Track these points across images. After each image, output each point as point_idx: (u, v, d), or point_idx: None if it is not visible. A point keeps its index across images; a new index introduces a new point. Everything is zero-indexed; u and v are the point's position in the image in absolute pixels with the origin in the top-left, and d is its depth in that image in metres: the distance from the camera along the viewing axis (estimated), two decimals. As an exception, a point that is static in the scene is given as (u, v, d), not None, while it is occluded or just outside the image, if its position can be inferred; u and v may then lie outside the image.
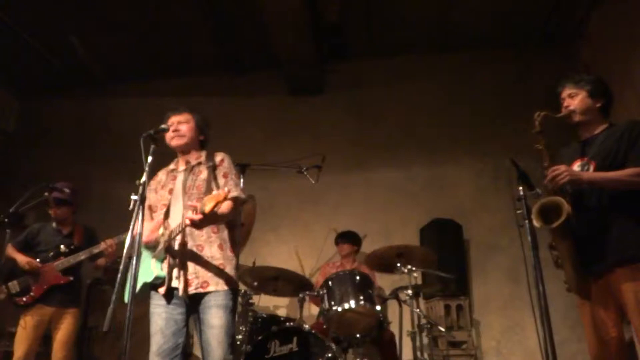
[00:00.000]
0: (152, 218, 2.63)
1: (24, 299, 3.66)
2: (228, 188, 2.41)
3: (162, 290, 2.43)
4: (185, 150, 2.70)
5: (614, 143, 2.40)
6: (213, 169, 2.57)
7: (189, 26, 5.46)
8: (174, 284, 2.44)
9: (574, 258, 2.34)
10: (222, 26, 5.46)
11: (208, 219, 2.28)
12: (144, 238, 2.39)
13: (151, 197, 2.65)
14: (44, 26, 5.43)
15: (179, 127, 2.66)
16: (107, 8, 5.20)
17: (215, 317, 2.37)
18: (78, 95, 6.44)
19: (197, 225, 2.29)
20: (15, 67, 6.04)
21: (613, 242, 2.30)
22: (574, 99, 2.53)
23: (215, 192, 2.24)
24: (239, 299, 3.59)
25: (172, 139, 2.66)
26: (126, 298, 2.30)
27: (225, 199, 2.19)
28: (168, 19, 5.36)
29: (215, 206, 2.18)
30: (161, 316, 2.41)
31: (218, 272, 2.45)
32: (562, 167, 2.35)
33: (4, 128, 6.37)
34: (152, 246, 2.50)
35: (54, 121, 6.45)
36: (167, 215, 2.54)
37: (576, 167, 2.47)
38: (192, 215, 2.24)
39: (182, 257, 2.45)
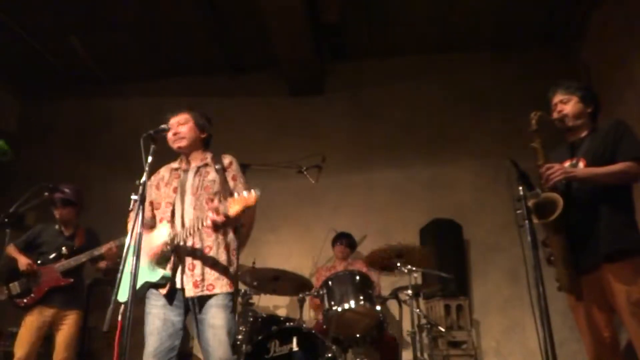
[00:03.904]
0: (152, 214, 2.62)
1: (25, 300, 3.66)
2: (238, 191, 2.45)
3: (163, 290, 2.42)
4: (188, 151, 2.68)
5: (601, 142, 2.48)
6: (223, 171, 2.56)
7: (189, 26, 5.46)
8: (178, 284, 2.43)
9: (566, 254, 2.36)
10: (222, 26, 5.47)
11: (230, 222, 2.28)
12: (149, 254, 2.38)
13: (152, 193, 2.64)
14: (44, 26, 5.43)
15: (178, 130, 2.63)
16: (107, 8, 5.20)
17: (216, 318, 2.36)
18: (78, 95, 6.44)
19: (218, 227, 2.28)
20: (16, 67, 6.04)
21: (600, 237, 2.35)
22: (567, 105, 2.59)
23: (236, 195, 2.24)
24: (239, 299, 3.59)
25: (174, 142, 2.65)
26: (119, 297, 2.28)
27: (253, 204, 2.19)
28: (168, 19, 5.36)
29: (241, 210, 2.18)
30: (158, 317, 2.40)
31: (223, 274, 2.44)
32: (557, 166, 2.40)
33: (4, 128, 6.36)
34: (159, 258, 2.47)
35: (54, 121, 6.46)
36: (172, 214, 2.52)
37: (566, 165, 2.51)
38: (214, 216, 2.24)
39: (191, 258, 2.44)
